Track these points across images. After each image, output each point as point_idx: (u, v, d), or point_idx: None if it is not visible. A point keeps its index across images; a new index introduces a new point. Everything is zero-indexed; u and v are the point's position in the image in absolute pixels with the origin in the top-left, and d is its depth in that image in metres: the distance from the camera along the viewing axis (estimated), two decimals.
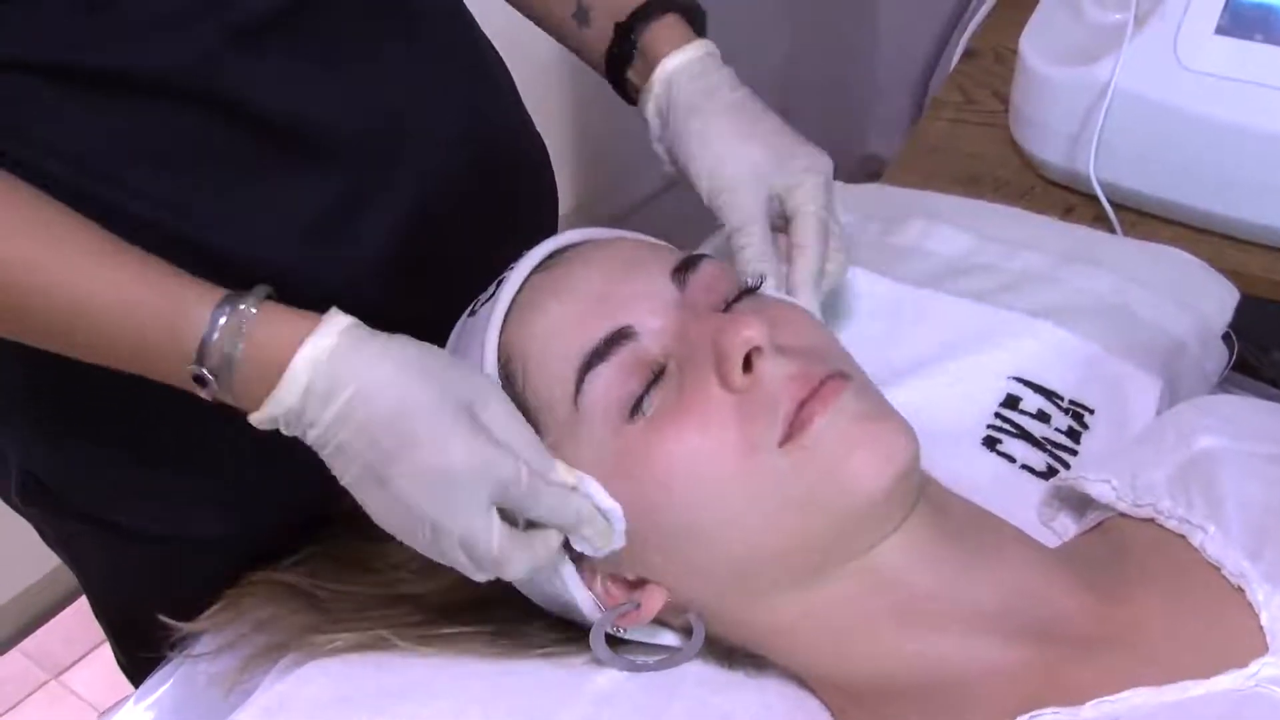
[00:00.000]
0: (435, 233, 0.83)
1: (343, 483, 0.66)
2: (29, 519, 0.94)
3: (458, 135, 0.84)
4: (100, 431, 0.82)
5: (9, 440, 0.87)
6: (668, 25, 0.86)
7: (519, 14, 0.93)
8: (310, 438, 0.65)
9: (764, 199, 0.82)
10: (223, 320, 0.64)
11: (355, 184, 0.79)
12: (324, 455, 0.66)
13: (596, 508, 0.68)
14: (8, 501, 0.92)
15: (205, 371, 0.65)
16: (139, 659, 1.03)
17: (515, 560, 0.65)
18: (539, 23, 0.93)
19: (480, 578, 0.67)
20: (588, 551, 0.69)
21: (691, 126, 0.83)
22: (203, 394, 0.66)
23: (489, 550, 0.64)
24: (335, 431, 0.64)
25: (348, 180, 0.78)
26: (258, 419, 0.65)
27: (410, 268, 0.82)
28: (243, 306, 0.65)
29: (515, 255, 0.77)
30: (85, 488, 0.86)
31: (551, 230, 0.99)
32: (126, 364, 0.68)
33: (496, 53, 0.94)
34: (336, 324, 0.65)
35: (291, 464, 0.80)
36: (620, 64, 0.88)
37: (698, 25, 0.88)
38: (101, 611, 1.03)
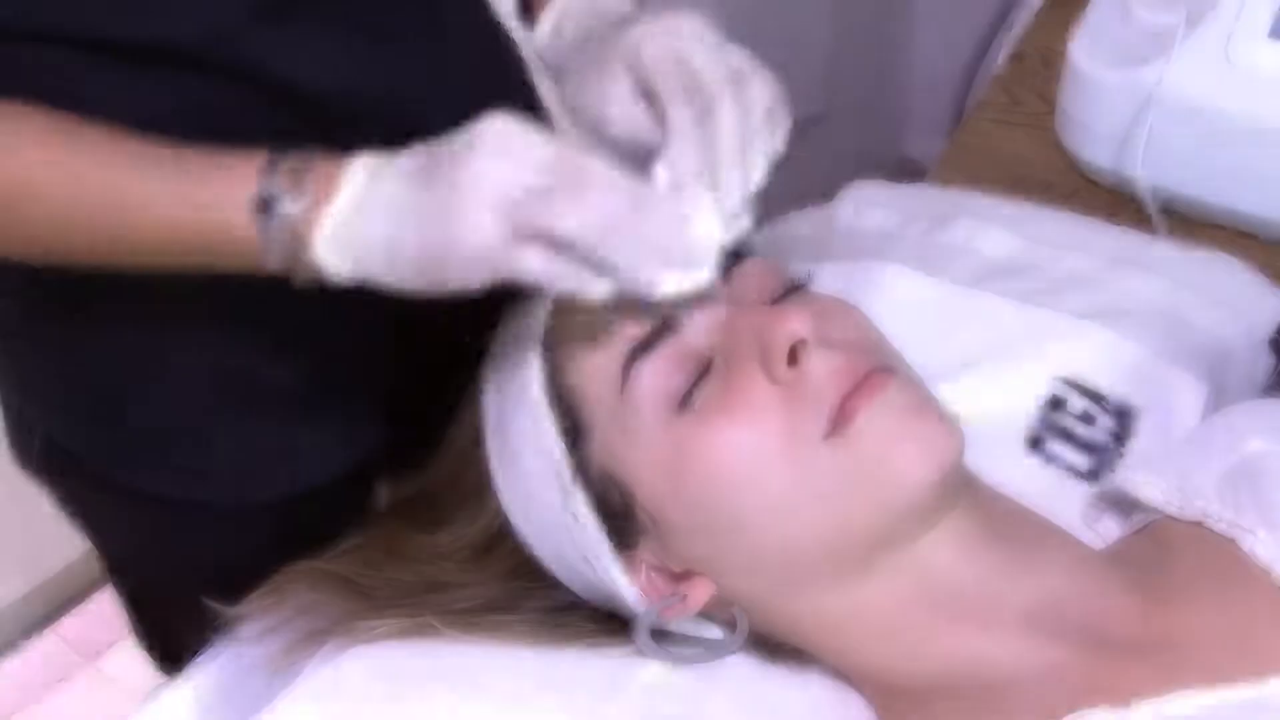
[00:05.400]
0: None
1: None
2: (50, 488, 0.93)
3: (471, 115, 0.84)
4: (128, 394, 0.82)
5: (34, 406, 0.87)
6: None
7: None
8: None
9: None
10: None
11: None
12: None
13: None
14: (28, 469, 0.92)
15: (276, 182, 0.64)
16: (161, 633, 1.04)
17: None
18: None
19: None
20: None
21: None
22: (260, 240, 0.63)
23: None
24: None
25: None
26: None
27: None
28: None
29: None
30: (111, 452, 0.86)
31: None
32: (187, 229, 0.65)
33: (510, 37, 0.92)
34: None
35: (320, 428, 0.80)
36: None
37: None
38: (122, 583, 1.03)
